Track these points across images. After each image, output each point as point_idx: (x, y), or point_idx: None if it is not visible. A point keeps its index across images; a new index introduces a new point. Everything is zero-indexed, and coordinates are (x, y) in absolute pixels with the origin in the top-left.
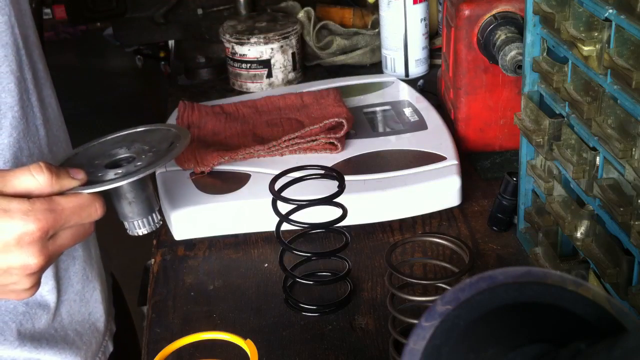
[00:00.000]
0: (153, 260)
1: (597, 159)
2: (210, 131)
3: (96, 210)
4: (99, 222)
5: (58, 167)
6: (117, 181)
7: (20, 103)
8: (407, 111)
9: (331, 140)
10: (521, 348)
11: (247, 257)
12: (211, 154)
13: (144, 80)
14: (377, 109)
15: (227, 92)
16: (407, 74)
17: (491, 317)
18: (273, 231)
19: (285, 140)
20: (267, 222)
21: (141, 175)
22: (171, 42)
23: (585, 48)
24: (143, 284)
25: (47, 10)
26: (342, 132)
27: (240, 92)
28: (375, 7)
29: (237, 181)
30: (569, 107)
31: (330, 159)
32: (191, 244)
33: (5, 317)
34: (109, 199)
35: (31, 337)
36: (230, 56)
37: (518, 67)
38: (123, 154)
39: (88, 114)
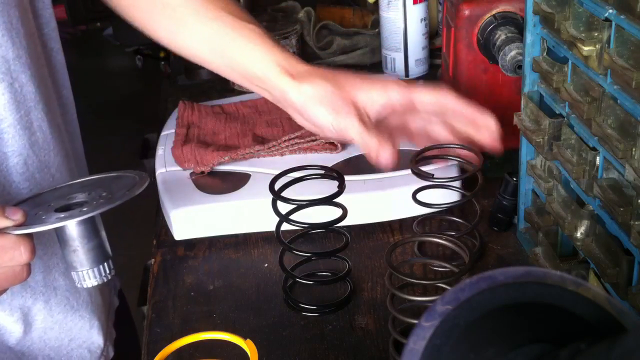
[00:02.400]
0: (153, 260)
1: (597, 159)
2: (210, 131)
3: (21, 254)
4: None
5: None
6: (52, 223)
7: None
8: None
9: (331, 140)
10: (521, 348)
11: (247, 257)
12: (211, 154)
13: (144, 80)
14: None
15: (227, 92)
16: (407, 74)
17: (491, 317)
18: (273, 231)
19: (285, 140)
20: (267, 222)
21: (77, 219)
22: None
23: (585, 48)
24: (143, 284)
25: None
26: None
27: (240, 92)
28: (375, 7)
29: (237, 181)
30: (569, 107)
31: (330, 159)
32: (191, 244)
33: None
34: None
35: (2, 352)
36: None
37: (518, 67)
38: (79, 198)
39: (88, 114)
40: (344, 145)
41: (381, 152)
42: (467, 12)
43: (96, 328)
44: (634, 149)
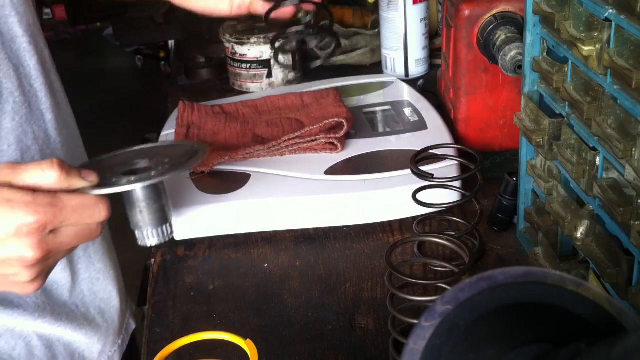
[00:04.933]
0: (153, 260)
1: (597, 159)
2: (210, 131)
3: (100, 213)
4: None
5: (70, 166)
6: (124, 186)
7: (21, 89)
8: (407, 111)
9: (331, 140)
10: (521, 348)
11: (247, 257)
12: (211, 154)
13: (144, 80)
14: (377, 109)
15: (227, 92)
16: (407, 74)
17: (491, 317)
18: (273, 231)
19: (285, 140)
20: (267, 222)
21: (146, 183)
22: (171, 42)
23: (585, 48)
24: (143, 284)
25: (47, 10)
26: (342, 132)
27: (240, 92)
28: (375, 7)
29: (237, 181)
30: (569, 107)
31: (330, 159)
32: (191, 244)
33: None
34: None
35: (51, 311)
36: (230, 56)
37: (518, 67)
38: (142, 164)
39: (88, 114)
40: (344, 145)
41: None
42: (467, 12)
43: (122, 281)
44: (634, 149)
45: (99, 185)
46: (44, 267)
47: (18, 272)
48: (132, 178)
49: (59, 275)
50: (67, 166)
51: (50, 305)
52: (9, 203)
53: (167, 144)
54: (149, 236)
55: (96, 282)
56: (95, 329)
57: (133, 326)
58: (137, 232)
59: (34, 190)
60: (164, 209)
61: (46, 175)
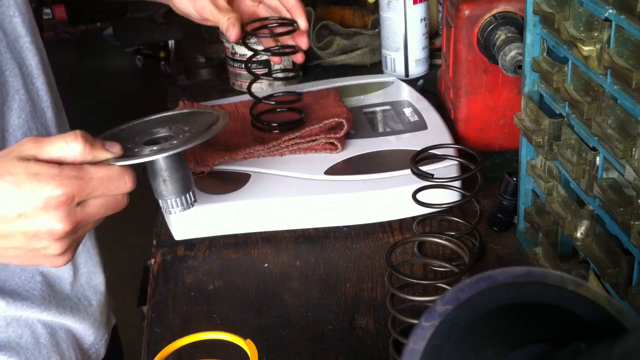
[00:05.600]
0: (153, 260)
1: (597, 159)
2: None
3: (125, 184)
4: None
5: (94, 137)
6: (148, 156)
7: (25, 87)
8: (407, 111)
9: (331, 140)
10: (521, 348)
11: (247, 257)
12: (211, 154)
13: (144, 80)
14: (377, 109)
15: (227, 92)
16: (407, 74)
17: (491, 317)
18: (273, 231)
19: (285, 140)
20: (267, 222)
21: (170, 153)
22: (171, 42)
23: (585, 48)
24: (143, 284)
25: (47, 10)
26: (342, 132)
27: (240, 92)
28: (375, 7)
29: (237, 181)
30: (569, 107)
31: (330, 159)
32: (191, 244)
33: (27, 285)
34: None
35: (56, 304)
36: (230, 56)
37: (518, 67)
38: (162, 133)
39: (88, 114)
40: (344, 145)
41: (230, 28)
42: (467, 12)
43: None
44: (634, 149)
45: (122, 157)
46: (73, 239)
47: (48, 246)
48: (155, 148)
49: (62, 269)
50: (91, 138)
51: (55, 299)
52: (35, 177)
53: (185, 112)
54: (172, 205)
55: (93, 276)
56: (91, 320)
57: (113, 321)
58: (161, 202)
59: (59, 164)
60: (187, 178)
61: (70, 147)
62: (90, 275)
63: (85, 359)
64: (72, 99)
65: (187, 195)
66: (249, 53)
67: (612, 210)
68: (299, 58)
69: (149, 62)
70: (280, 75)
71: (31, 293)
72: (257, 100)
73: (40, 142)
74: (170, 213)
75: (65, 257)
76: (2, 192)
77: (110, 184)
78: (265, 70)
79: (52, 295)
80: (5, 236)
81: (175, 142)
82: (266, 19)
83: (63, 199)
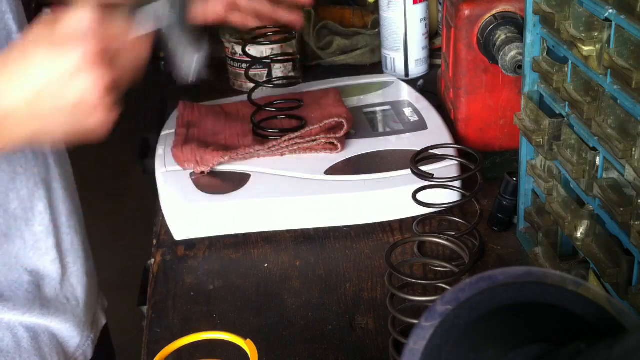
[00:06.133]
0: (153, 260)
1: (597, 159)
2: (210, 131)
3: (143, 40)
4: (98, 223)
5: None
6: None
7: None
8: (407, 111)
9: (331, 140)
10: (521, 348)
11: (247, 257)
12: (211, 154)
13: (144, 80)
14: (377, 109)
15: (227, 92)
16: (407, 74)
17: (491, 317)
18: (273, 231)
19: (285, 140)
20: (267, 222)
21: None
22: None
23: (585, 48)
24: (143, 284)
25: (47, 10)
26: (342, 132)
27: (240, 92)
28: (375, 7)
29: (237, 181)
30: (569, 107)
31: (330, 159)
32: (191, 244)
33: (13, 286)
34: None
35: (40, 305)
36: (230, 56)
37: (518, 67)
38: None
39: None
40: (344, 145)
41: None
42: (467, 12)
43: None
44: (634, 149)
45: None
46: (111, 99)
47: (92, 110)
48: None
49: (50, 268)
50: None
51: (40, 299)
52: (66, 41)
53: None
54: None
55: (83, 275)
56: (77, 320)
57: (103, 322)
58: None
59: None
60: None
61: (84, 14)
62: (80, 274)
63: None
64: None
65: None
66: (248, 51)
67: (612, 210)
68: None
69: (149, 62)
70: (280, 82)
71: (15, 294)
72: (258, 107)
73: (54, 18)
74: (189, 80)
75: (108, 118)
76: (29, 66)
77: (131, 44)
78: (266, 71)
79: (37, 296)
80: (49, 114)
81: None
82: (264, 27)
83: (97, 54)
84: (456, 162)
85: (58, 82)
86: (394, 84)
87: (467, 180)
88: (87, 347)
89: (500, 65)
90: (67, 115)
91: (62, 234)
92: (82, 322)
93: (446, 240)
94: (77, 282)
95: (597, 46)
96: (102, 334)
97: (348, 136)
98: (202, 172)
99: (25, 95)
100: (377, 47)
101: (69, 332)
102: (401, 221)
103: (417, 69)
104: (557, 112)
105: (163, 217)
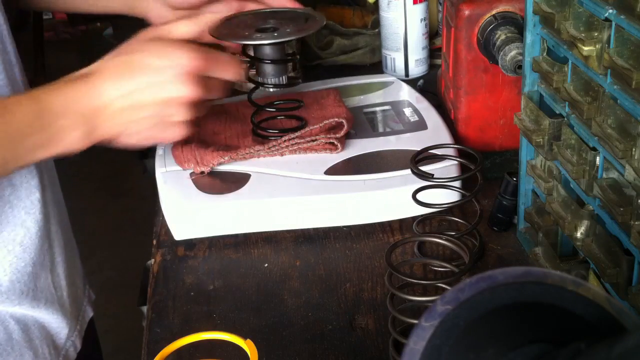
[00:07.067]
0: (153, 260)
1: (597, 159)
2: (210, 131)
3: (237, 70)
4: (98, 223)
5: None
6: (267, 39)
7: (5, 72)
8: (407, 111)
9: (331, 140)
10: (521, 348)
11: (247, 257)
12: (211, 154)
13: None
14: (377, 109)
15: None
16: (407, 74)
17: (491, 317)
18: (273, 231)
19: (285, 140)
20: (267, 222)
21: (288, 39)
22: None
23: (585, 48)
24: (143, 284)
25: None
26: (342, 132)
27: (240, 92)
28: (375, 7)
29: (237, 181)
30: (569, 107)
31: (330, 159)
32: (191, 244)
33: (13, 276)
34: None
35: (33, 296)
36: None
37: (518, 67)
38: (268, 24)
39: None
40: (344, 145)
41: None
42: (467, 12)
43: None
44: (634, 149)
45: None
46: (195, 111)
47: (176, 113)
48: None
49: (41, 257)
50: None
51: (33, 291)
52: (168, 48)
53: (282, 10)
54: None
55: (69, 265)
56: (65, 312)
57: (90, 314)
58: (264, 80)
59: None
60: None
61: (190, 27)
62: (66, 264)
63: (58, 354)
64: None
65: (284, 76)
66: (247, 51)
67: (612, 210)
68: None
69: None
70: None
71: (6, 286)
72: (258, 107)
73: (161, 26)
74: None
75: (187, 127)
76: (134, 65)
77: (229, 67)
78: None
79: (31, 287)
80: (141, 107)
81: (288, 30)
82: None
83: (192, 68)
84: (456, 162)
85: (147, 85)
86: (394, 84)
87: (467, 180)
88: (75, 338)
89: (500, 65)
90: (150, 119)
91: (50, 224)
92: (68, 313)
93: (446, 240)
94: (64, 272)
95: (597, 46)
96: (89, 325)
97: (348, 136)
98: (202, 172)
99: (128, 88)
100: (377, 47)
101: (57, 322)
102: (401, 221)
103: (417, 69)
104: (557, 112)
105: (163, 217)
